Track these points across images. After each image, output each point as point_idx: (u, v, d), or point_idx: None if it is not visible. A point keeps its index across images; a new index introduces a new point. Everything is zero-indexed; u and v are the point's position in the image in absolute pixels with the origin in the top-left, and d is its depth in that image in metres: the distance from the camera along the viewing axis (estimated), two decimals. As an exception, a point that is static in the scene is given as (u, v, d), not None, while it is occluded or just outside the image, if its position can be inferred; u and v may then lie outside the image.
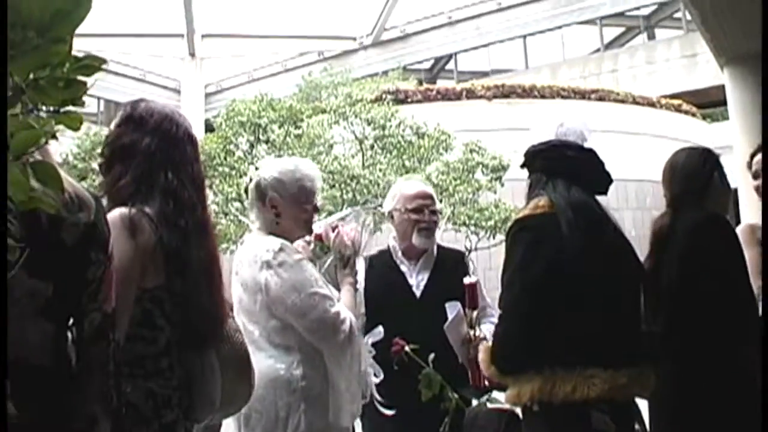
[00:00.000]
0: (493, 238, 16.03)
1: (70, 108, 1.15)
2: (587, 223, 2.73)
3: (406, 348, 3.41)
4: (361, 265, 3.87)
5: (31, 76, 1.01)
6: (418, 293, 3.81)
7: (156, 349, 2.29)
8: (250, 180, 3.32)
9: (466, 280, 3.52)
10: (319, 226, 3.42)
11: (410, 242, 3.84)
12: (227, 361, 2.50)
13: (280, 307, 3.07)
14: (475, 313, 3.44)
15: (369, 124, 16.00)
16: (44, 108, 1.14)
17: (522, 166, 3.06)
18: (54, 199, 1.14)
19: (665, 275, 3.16)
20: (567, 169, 2.89)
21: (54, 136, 1.07)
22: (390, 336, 3.46)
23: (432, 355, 3.37)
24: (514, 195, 18.02)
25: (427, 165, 15.94)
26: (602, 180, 2.94)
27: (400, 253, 3.91)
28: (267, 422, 3.04)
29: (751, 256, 3.43)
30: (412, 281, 3.84)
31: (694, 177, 3.36)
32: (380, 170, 15.66)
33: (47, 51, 0.96)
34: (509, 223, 2.94)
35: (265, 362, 3.06)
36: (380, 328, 3.42)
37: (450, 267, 3.76)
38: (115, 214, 2.25)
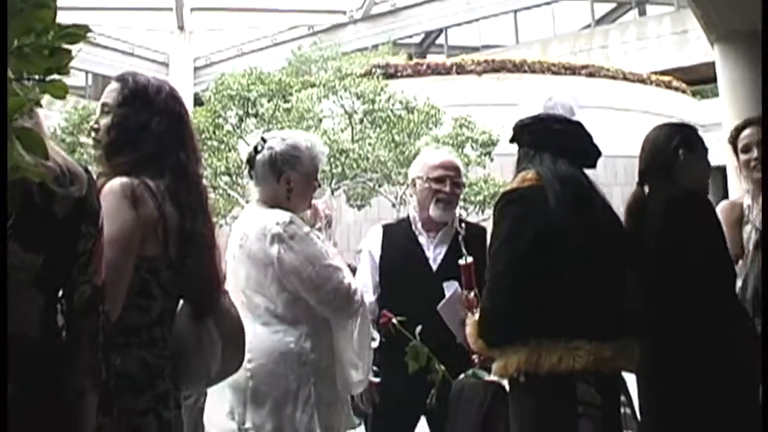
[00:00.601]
0: (482, 213, 16.09)
1: (56, 77, 1.15)
2: (574, 196, 2.73)
3: (394, 320, 3.40)
4: (376, 234, 3.90)
5: (16, 43, 1.01)
6: (434, 266, 3.76)
7: (150, 318, 2.30)
8: (255, 151, 3.30)
9: (461, 261, 3.47)
10: None
11: (428, 213, 3.78)
12: (226, 336, 2.52)
13: (294, 279, 3.07)
14: (472, 294, 3.39)
15: (358, 99, 16.00)
16: (30, 77, 1.14)
17: (511, 141, 3.06)
18: (40, 168, 1.14)
19: (641, 251, 3.15)
20: (554, 142, 2.88)
21: (39, 104, 1.06)
22: (404, 307, 3.44)
23: (419, 328, 3.36)
24: (503, 170, 17.99)
25: (416, 140, 15.96)
26: (590, 153, 2.94)
27: (419, 224, 3.85)
28: (277, 395, 3.05)
29: (729, 235, 3.43)
30: (429, 254, 3.79)
31: (659, 153, 3.35)
32: (369, 144, 15.68)
33: (31, 16, 0.95)
34: (498, 196, 2.92)
35: (273, 336, 3.08)
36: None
37: (469, 242, 3.65)
38: (115, 183, 2.25)
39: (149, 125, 2.39)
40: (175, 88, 2.57)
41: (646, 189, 3.36)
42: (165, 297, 2.33)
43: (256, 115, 15.53)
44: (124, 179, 2.27)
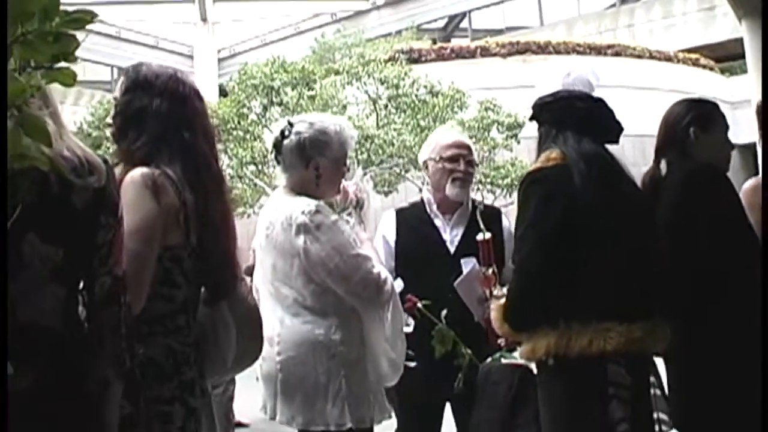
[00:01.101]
0: (510, 196, 16.05)
1: (63, 64, 1.13)
2: (600, 174, 2.69)
3: (419, 304, 3.35)
4: (390, 218, 3.84)
5: (20, 30, 0.99)
6: (452, 249, 3.68)
7: (174, 306, 2.31)
8: (282, 136, 3.23)
9: (479, 237, 3.45)
10: None
11: (444, 193, 3.71)
12: (242, 323, 2.51)
13: (321, 271, 3.02)
14: (490, 270, 3.37)
15: (382, 84, 15.96)
16: (38, 65, 1.12)
17: (531, 119, 3.02)
18: (51, 157, 1.13)
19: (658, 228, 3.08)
20: (576, 120, 2.84)
21: (39, 89, 1.05)
22: (423, 292, 3.39)
23: (444, 311, 3.33)
24: (530, 153, 17.78)
25: (441, 124, 15.87)
26: (612, 129, 2.89)
27: (434, 206, 3.78)
28: (307, 388, 3.03)
29: (753, 219, 3.36)
30: (446, 236, 3.72)
31: (672, 131, 3.31)
32: (395, 130, 15.64)
33: (29, -3, 0.94)
34: (523, 177, 2.87)
35: (302, 327, 3.05)
36: (399, 282, 3.35)
37: (486, 223, 3.58)
38: (136, 174, 2.25)
39: (150, 107, 2.41)
40: (178, 70, 2.58)
41: (663, 166, 3.29)
42: (188, 285, 2.34)
43: (280, 104, 15.53)
44: (144, 169, 2.27)
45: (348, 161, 3.36)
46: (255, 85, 15.50)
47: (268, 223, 3.16)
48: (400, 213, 3.89)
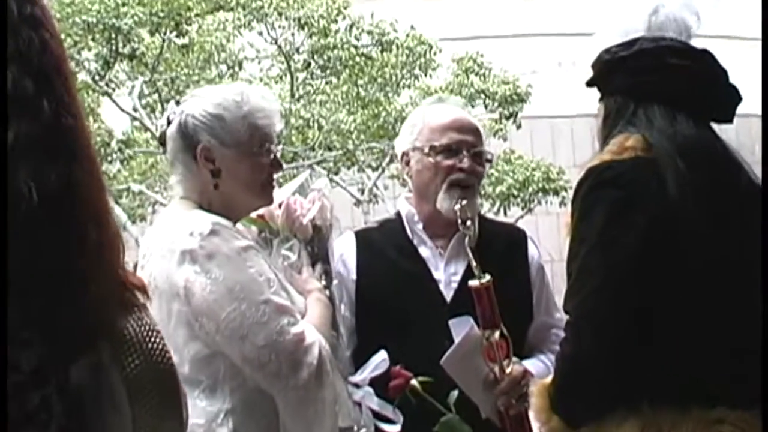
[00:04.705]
0: (504, 213, 16.07)
1: None
2: (705, 175, 2.75)
3: (413, 382, 3.36)
4: (347, 246, 3.82)
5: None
6: (448, 294, 3.68)
7: (20, 377, 2.28)
8: (168, 122, 3.27)
9: (472, 283, 3.38)
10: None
11: (434, 207, 3.69)
12: (141, 383, 2.48)
13: (208, 323, 3.00)
14: (497, 334, 3.34)
15: (302, 29, 15.88)
16: None
17: (589, 84, 3.08)
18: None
19: None
20: (668, 87, 2.90)
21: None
22: (408, 363, 3.39)
23: (455, 393, 3.35)
24: (534, 142, 17.82)
25: (396, 95, 15.89)
26: (725, 100, 2.97)
27: (419, 226, 3.78)
28: None
29: None
30: (438, 275, 3.71)
31: None
32: (321, 103, 15.59)
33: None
34: (581, 176, 2.89)
35: None
36: (383, 355, 3.35)
37: (500, 252, 3.65)
38: None
39: None
40: None
41: None
42: (42, 337, 2.32)
43: (132, 57, 15.38)
44: None
45: (278, 150, 3.33)
46: (89, 25, 15.25)
47: (144, 251, 3.19)
48: (363, 238, 3.88)
